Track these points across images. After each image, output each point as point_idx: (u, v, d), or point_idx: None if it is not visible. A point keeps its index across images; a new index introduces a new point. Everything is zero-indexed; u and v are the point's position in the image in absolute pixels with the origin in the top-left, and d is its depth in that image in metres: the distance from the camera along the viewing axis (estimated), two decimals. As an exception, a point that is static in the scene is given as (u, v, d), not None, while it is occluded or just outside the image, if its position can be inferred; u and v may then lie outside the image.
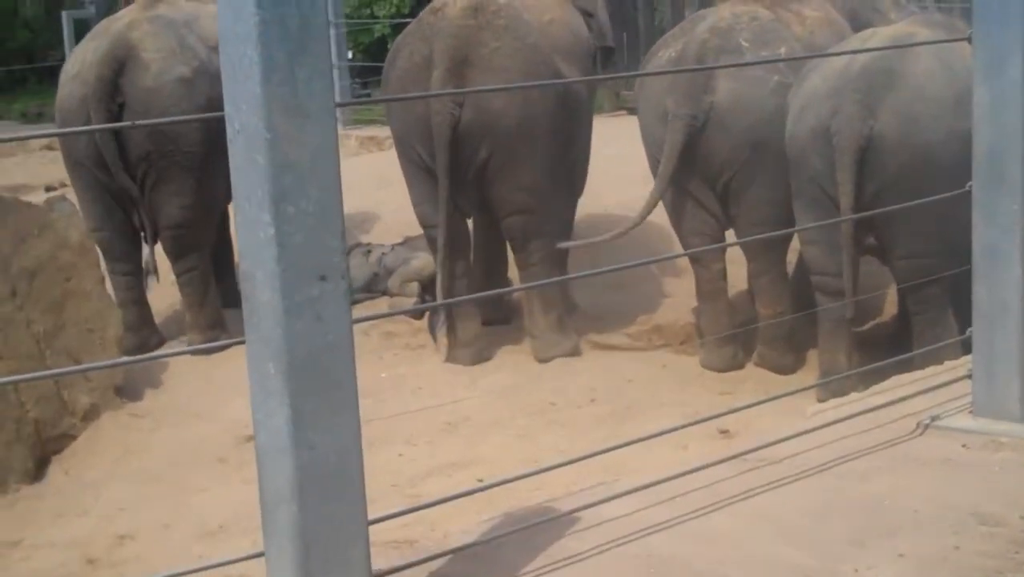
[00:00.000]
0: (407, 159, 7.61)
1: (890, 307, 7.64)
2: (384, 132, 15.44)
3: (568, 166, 7.83)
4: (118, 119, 7.57)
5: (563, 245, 7.73)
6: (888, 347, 6.69)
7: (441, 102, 7.16)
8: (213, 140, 7.39)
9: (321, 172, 2.48)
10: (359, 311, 8.38)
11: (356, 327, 7.68)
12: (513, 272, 8.38)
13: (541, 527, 3.27)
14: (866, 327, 7.47)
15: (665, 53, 7.34)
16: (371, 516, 3.10)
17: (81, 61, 7.92)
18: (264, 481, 2.59)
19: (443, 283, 7.37)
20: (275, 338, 2.48)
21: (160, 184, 7.81)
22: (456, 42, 7.29)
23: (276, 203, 2.44)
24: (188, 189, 7.71)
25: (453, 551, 3.13)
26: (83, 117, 7.62)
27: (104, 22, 8.52)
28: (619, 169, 9.38)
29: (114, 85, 7.66)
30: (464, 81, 7.21)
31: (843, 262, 6.25)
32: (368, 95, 18.69)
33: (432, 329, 7.95)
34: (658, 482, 3.50)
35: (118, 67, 7.71)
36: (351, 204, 10.27)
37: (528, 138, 7.40)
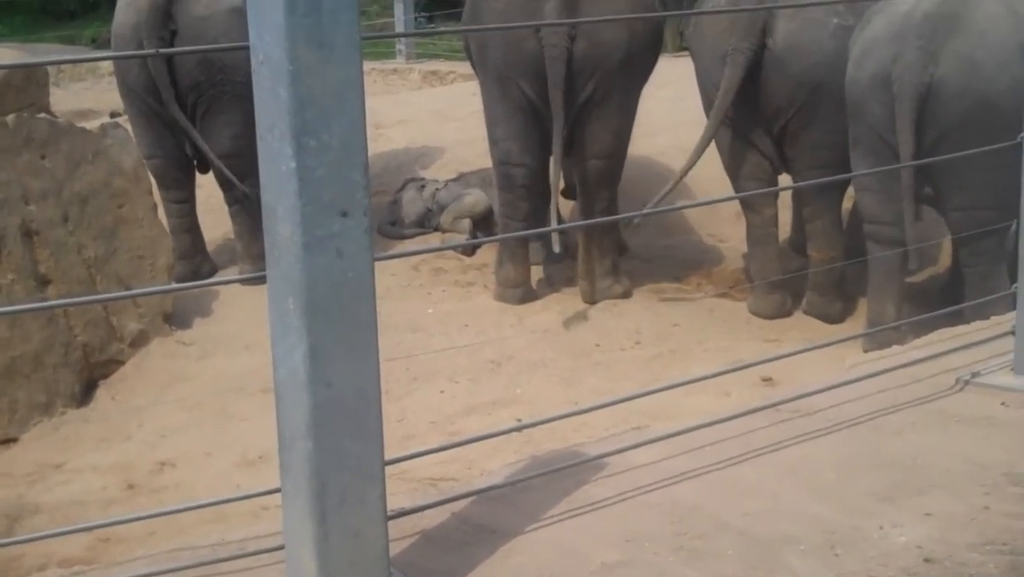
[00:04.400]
0: (504, 96, 7.42)
1: (944, 259, 7.52)
2: (447, 67, 15.41)
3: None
4: (170, 48, 7.54)
5: (645, 211, 7.53)
6: (939, 299, 6.58)
7: (556, 35, 7.03)
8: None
9: (345, 106, 2.41)
10: (410, 246, 8.37)
11: (406, 264, 7.69)
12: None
13: (567, 471, 3.23)
14: (918, 278, 7.36)
15: (724, -8, 7.22)
16: (400, 453, 3.08)
17: None
18: (282, 418, 2.56)
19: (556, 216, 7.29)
20: (295, 273, 2.43)
21: (210, 113, 7.81)
22: None
23: (298, 136, 2.38)
24: (239, 119, 7.66)
25: (475, 492, 3.10)
26: (136, 44, 7.60)
27: (161, -49, 8.50)
28: (674, 111, 9.28)
29: (166, 13, 7.61)
30: (576, 12, 7.09)
31: (904, 211, 6.13)
32: (433, 28, 18.61)
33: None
34: (688, 430, 3.44)
35: None
36: (409, 138, 10.31)
37: (629, 73, 7.35)
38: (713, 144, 7.30)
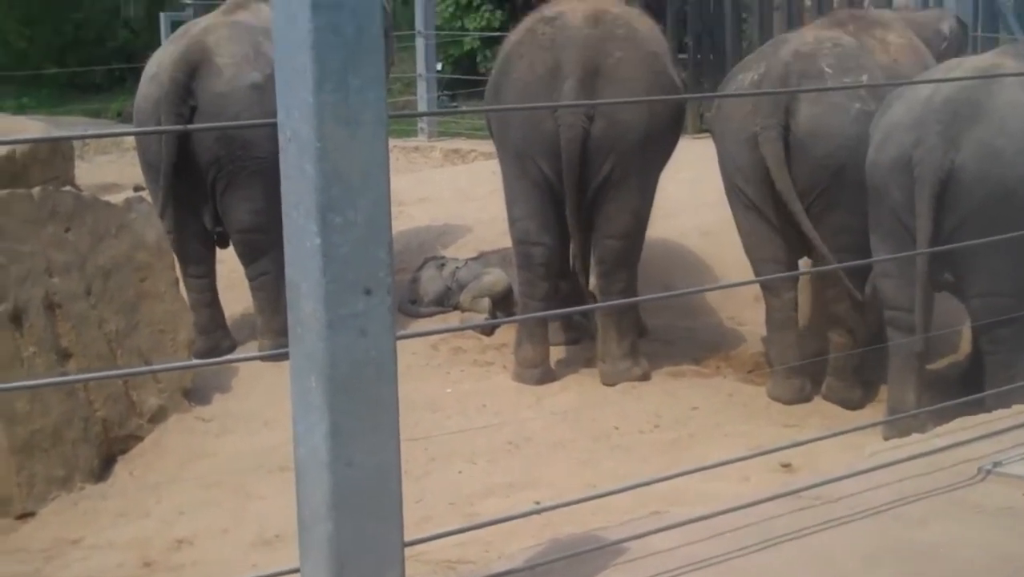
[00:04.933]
0: (522, 174, 7.44)
1: (965, 346, 7.48)
2: (468, 145, 15.50)
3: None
4: (190, 123, 7.63)
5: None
6: (959, 387, 6.53)
7: (573, 115, 7.05)
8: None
9: (370, 183, 2.42)
10: (429, 324, 8.36)
11: (425, 342, 7.68)
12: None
13: (587, 556, 3.19)
14: (938, 365, 7.32)
15: (746, 76, 7.24)
16: (419, 535, 3.05)
17: (159, 63, 7.98)
18: (302, 497, 2.54)
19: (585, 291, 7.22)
20: (317, 351, 2.42)
21: (230, 189, 7.84)
22: (586, 52, 7.19)
23: (323, 213, 2.38)
24: (259, 194, 7.72)
25: None
26: (156, 119, 7.67)
27: (186, 25, 8.63)
28: (695, 192, 9.29)
29: (187, 89, 7.69)
30: (594, 92, 7.12)
31: (917, 297, 6.11)
32: (456, 107, 18.75)
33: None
34: (709, 516, 3.40)
35: (191, 71, 7.74)
36: (431, 216, 10.39)
37: (648, 154, 7.35)
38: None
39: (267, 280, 7.97)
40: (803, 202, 6.92)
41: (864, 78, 6.91)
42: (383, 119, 2.43)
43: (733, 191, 7.23)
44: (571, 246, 7.67)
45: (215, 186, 7.85)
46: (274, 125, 2.47)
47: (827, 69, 6.96)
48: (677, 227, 9.32)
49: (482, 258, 8.91)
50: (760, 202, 7.01)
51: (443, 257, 9.11)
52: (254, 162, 7.69)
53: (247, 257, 8.05)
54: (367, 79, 2.39)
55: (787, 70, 6.96)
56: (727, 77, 7.79)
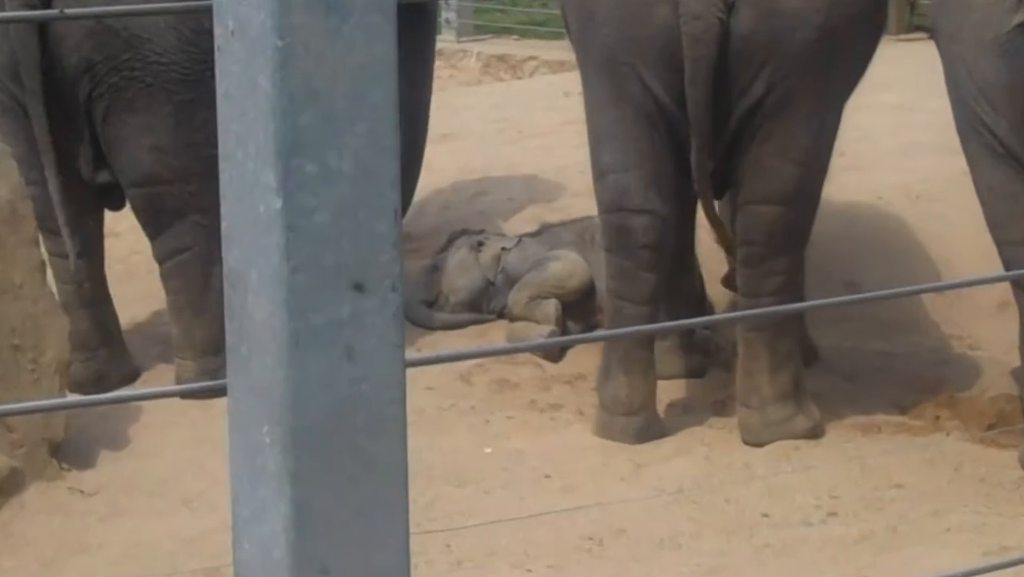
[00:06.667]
0: (617, 95, 7.43)
1: None
2: (522, 49, 15.55)
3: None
4: (47, 6, 7.59)
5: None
6: None
7: (702, 1, 7.03)
8: (203, 46, 7.44)
9: (367, 108, 2.42)
10: (457, 341, 8.38)
11: (451, 371, 7.79)
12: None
13: None
14: None
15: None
16: None
17: None
18: (244, 623, 2.55)
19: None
20: (274, 385, 2.42)
21: (115, 114, 7.80)
22: None
23: (287, 156, 2.37)
24: (161, 122, 7.70)
25: None
26: None
27: None
28: (901, 128, 9.27)
29: None
30: None
31: None
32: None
33: None
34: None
35: None
36: (461, 163, 10.53)
37: (825, 66, 7.31)
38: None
39: (186, 260, 7.94)
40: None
41: None
42: (388, 5, 2.43)
43: (972, 127, 7.17)
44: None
45: (91, 109, 7.83)
46: (207, 12, 2.48)
47: None
48: (871, 186, 9.33)
49: (545, 234, 8.94)
50: (1020, 146, 6.95)
51: (481, 232, 9.14)
52: (149, 71, 7.64)
53: (151, 224, 8.02)
54: (362, -62, 2.40)
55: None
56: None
